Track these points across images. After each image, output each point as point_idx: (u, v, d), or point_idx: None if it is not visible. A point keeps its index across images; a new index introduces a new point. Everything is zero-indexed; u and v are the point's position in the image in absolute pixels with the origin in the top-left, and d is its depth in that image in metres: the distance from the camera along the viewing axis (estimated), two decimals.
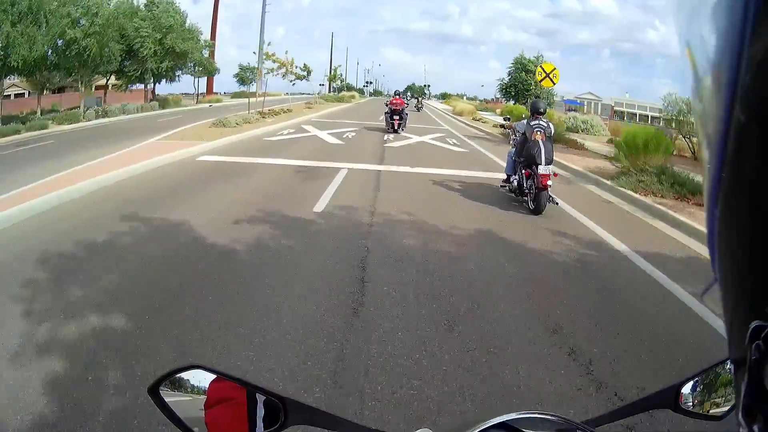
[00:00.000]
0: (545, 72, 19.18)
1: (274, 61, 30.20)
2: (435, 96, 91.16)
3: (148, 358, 3.32)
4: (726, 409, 0.89)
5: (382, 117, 22.47)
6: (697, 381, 0.92)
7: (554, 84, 19.70)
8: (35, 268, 4.85)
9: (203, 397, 0.79)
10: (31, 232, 6.12)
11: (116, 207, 7.18)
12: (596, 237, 6.59)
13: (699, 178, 8.15)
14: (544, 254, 5.77)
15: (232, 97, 51.92)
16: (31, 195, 7.45)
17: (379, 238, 6.09)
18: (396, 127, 19.49)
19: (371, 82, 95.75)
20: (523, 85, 36.61)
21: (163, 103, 38.99)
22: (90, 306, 4.03)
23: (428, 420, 2.78)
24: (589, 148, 17.23)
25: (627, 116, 58.67)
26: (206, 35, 43.78)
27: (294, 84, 40.61)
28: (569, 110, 41.44)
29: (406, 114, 20.43)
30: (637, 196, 9.02)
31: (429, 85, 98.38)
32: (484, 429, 0.79)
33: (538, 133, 7.36)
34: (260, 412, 0.80)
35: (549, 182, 7.11)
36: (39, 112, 29.09)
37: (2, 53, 22.43)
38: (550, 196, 7.33)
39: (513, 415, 0.81)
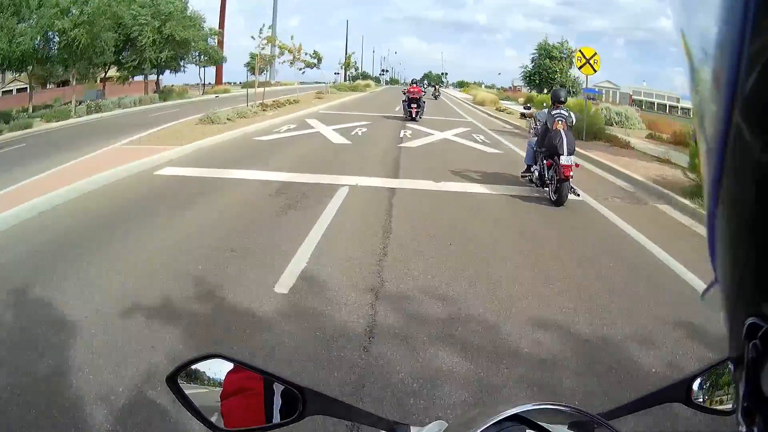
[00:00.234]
0: (585, 57, 15.75)
1: (280, 48, 27.23)
2: (452, 84, 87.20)
3: None
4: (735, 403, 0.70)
5: (399, 107, 21.48)
6: (708, 375, 0.90)
7: (595, 71, 16.27)
8: None
9: (220, 388, 0.79)
10: None
11: None
12: None
13: None
14: None
15: (242, 87, 49.90)
16: None
17: (387, 378, 2.99)
18: (414, 115, 18.85)
19: (387, 71, 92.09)
20: (547, 73, 33.17)
21: (166, 94, 36.33)
22: None
23: None
24: (635, 147, 14.13)
25: (645, 105, 55.87)
26: (215, 23, 41.33)
27: (303, 72, 37.62)
28: (588, 99, 37.57)
29: (424, 102, 19.62)
30: None
31: (446, 73, 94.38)
32: (498, 421, 0.75)
33: (560, 122, 7.03)
34: (277, 402, 0.80)
35: (571, 173, 6.86)
36: (31, 109, 27.11)
37: None
38: (572, 187, 7.02)
39: (527, 407, 0.76)
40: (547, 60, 33.05)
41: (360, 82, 54.63)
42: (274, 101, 24.45)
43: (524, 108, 11.69)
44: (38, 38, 24.19)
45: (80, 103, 26.09)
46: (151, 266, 4.52)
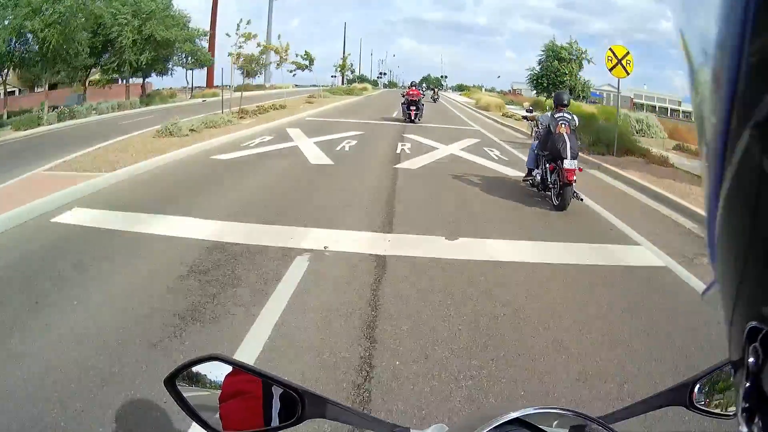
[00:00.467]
0: (616, 57, 12.71)
1: (265, 47, 24.27)
2: (450, 87, 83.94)
3: None
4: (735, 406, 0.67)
5: (396, 112, 20.75)
6: (709, 378, 0.87)
7: (628, 74, 13.22)
8: None
9: (219, 390, 0.77)
10: None
11: None
12: None
13: None
14: None
15: (235, 90, 47.08)
16: None
17: None
18: (413, 117, 18.52)
19: (385, 73, 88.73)
20: (556, 76, 30.16)
21: (149, 99, 33.44)
22: None
23: None
24: (674, 163, 11.28)
25: (646, 108, 53.43)
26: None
27: (294, 74, 34.77)
28: (590, 102, 35.21)
29: (422, 105, 19.34)
30: None
31: (446, 76, 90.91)
32: (499, 425, 0.75)
33: (563, 126, 6.74)
34: (276, 405, 0.78)
35: (574, 177, 6.54)
36: (5, 115, 24.73)
37: None
38: (575, 191, 6.69)
39: (528, 410, 0.76)
40: (556, 62, 30.06)
41: (356, 85, 51.33)
42: (258, 107, 21.57)
43: (527, 111, 10.86)
44: (13, 39, 22.64)
45: (54, 109, 23.79)
46: None
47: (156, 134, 12.82)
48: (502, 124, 19.95)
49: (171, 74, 37.12)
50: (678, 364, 3.07)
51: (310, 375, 2.81)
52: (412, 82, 22.02)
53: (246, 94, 41.51)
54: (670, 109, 58.26)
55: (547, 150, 6.97)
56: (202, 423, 0.76)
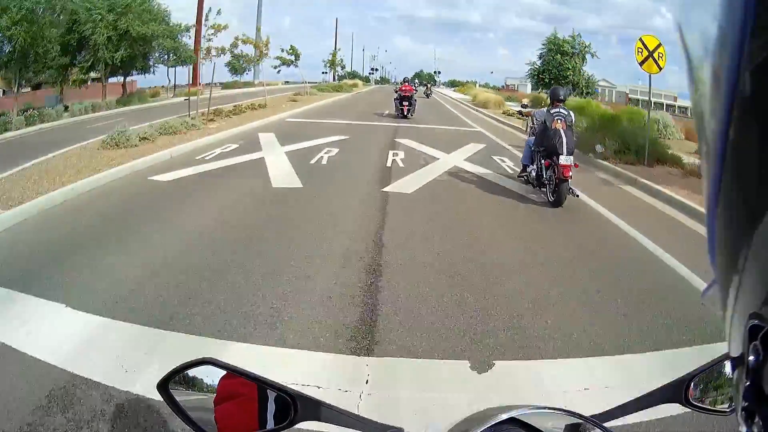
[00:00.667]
0: (647, 49, 10.12)
1: (243, 41, 21.67)
2: (443, 83, 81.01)
3: None
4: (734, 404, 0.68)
5: (388, 110, 19.51)
6: (705, 375, 0.85)
7: (660, 69, 10.67)
8: None
9: (213, 394, 0.75)
10: None
11: None
12: None
13: None
14: None
15: (223, 88, 44.63)
16: None
17: None
18: (405, 113, 17.88)
19: (377, 69, 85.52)
20: (558, 71, 27.70)
21: (128, 99, 30.89)
22: None
23: None
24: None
25: (642, 104, 51.30)
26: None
27: (279, 71, 32.11)
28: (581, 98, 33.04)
29: (415, 100, 18.65)
30: None
31: (439, 72, 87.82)
32: (495, 424, 0.75)
33: (559, 121, 6.48)
34: (271, 408, 0.76)
35: (570, 173, 6.33)
36: None
37: None
38: (571, 188, 6.44)
39: (523, 410, 0.77)
40: (558, 56, 27.58)
41: (347, 81, 48.48)
42: (235, 107, 19.03)
43: (522, 106, 10.43)
44: None
45: (25, 112, 21.49)
46: None
47: (101, 145, 10.34)
48: (504, 123, 17.36)
49: (153, 72, 34.66)
50: None
51: None
52: (404, 78, 21.47)
53: (230, 92, 38.75)
54: (666, 105, 56.44)
55: (543, 146, 6.73)
56: (197, 427, 0.73)
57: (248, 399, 0.76)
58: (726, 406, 0.84)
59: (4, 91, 30.46)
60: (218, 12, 16.26)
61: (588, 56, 28.65)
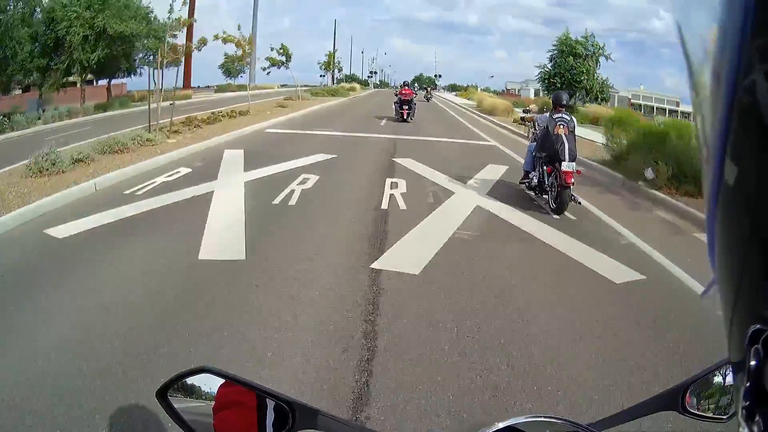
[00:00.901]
0: None
1: (224, 39, 18.93)
2: (443, 87, 77.82)
3: None
4: (732, 410, 0.78)
5: (386, 119, 17.74)
6: (702, 381, 0.83)
7: None
8: None
9: (212, 402, 0.73)
10: None
11: None
12: None
13: None
14: None
15: (216, 92, 41.96)
16: None
17: None
18: (405, 117, 17.39)
19: (375, 72, 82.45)
20: (571, 74, 24.90)
21: (108, 103, 28.30)
22: None
23: None
24: None
25: (645, 109, 48.89)
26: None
27: (269, 73, 29.30)
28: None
29: (415, 104, 18.14)
30: None
31: (440, 75, 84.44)
32: None
33: (561, 127, 6.19)
34: (269, 416, 0.74)
35: (572, 180, 5.99)
36: None
37: None
38: (573, 195, 6.06)
39: (520, 419, 0.74)
40: (571, 58, 24.76)
41: (344, 85, 45.36)
42: (213, 114, 16.32)
43: (524, 111, 10.18)
44: None
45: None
46: None
47: (26, 171, 7.65)
48: (520, 135, 14.51)
49: (140, 74, 31.92)
50: None
51: None
52: (404, 82, 20.81)
53: (221, 95, 35.78)
54: (669, 110, 54.03)
55: (545, 152, 6.36)
56: None
57: (247, 407, 0.73)
58: (723, 413, 0.81)
59: None
60: (184, 2, 13.45)
61: (601, 59, 25.84)
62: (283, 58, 25.99)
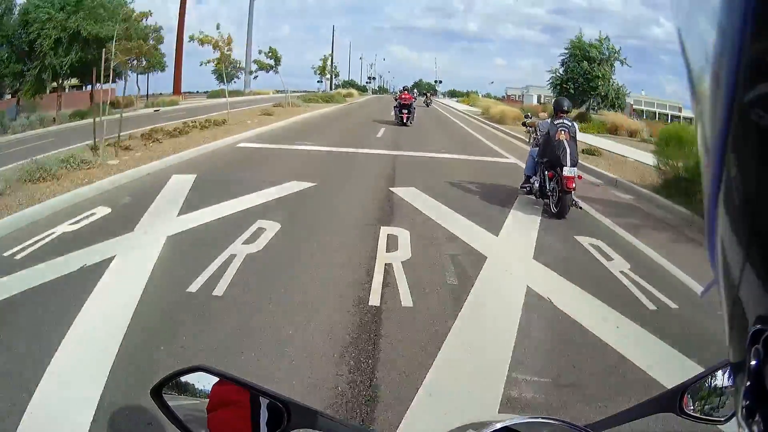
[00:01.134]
0: None
1: (201, 41, 16.50)
2: (442, 93, 74.93)
3: None
4: (730, 412, 0.76)
5: (383, 129, 15.73)
6: (700, 384, 0.82)
7: None
8: None
9: (206, 400, 0.73)
10: None
11: None
12: None
13: None
14: None
15: (209, 97, 39.38)
16: None
17: None
18: (404, 121, 17.07)
19: (374, 78, 79.50)
20: (585, 79, 22.43)
21: (86, 111, 25.83)
22: None
23: None
24: None
25: (647, 115, 46.75)
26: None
27: (256, 77, 26.80)
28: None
29: (414, 108, 17.86)
30: None
31: (441, 81, 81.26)
32: None
33: (563, 132, 6.15)
34: (264, 415, 0.72)
35: (574, 185, 5.91)
36: None
37: None
38: (574, 199, 5.98)
39: (517, 419, 0.74)
40: (585, 62, 22.28)
41: (341, 90, 42.60)
42: (184, 124, 13.82)
43: (525, 117, 9.39)
44: None
45: None
46: None
47: None
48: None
49: (123, 79, 29.46)
50: None
51: None
52: (404, 87, 20.48)
53: (212, 102, 33.24)
54: (671, 116, 51.88)
55: (547, 157, 6.26)
56: None
57: (241, 406, 0.71)
58: (720, 415, 0.79)
59: None
60: None
61: (617, 63, 23.37)
62: (272, 62, 23.40)
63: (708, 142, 0.28)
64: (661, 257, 4.70)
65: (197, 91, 45.69)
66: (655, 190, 7.59)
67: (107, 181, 7.21)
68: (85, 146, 9.47)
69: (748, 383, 0.27)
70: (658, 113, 52.03)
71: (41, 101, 25.34)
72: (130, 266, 4.03)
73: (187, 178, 7.45)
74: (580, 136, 13.86)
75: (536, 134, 7.13)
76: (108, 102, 30.42)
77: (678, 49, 0.30)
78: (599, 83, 22.03)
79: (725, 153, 0.26)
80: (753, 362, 0.27)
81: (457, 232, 5.07)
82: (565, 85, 22.70)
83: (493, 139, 14.78)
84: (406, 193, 6.74)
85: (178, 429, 0.70)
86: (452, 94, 74.15)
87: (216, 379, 0.72)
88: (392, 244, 4.65)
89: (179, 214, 5.57)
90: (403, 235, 4.89)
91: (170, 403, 0.71)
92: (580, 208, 6.12)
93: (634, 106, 53.27)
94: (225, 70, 46.18)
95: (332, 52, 49.67)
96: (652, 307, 3.59)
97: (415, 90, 41.75)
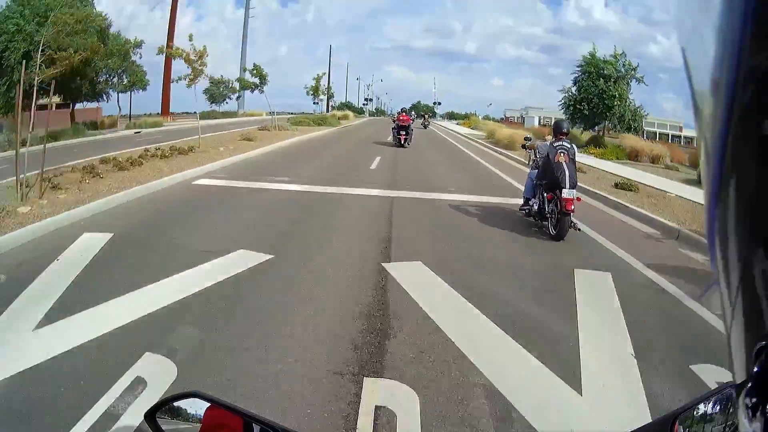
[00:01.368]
0: None
1: (172, 54, 14.40)
2: (440, 115, 72.66)
3: None
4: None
5: (378, 158, 13.50)
6: (694, 410, 0.75)
7: None
8: None
9: (199, 425, 0.73)
10: None
11: None
12: None
13: None
14: None
15: (201, 118, 37.00)
16: None
17: None
18: (402, 142, 17.20)
19: (371, 100, 77.57)
20: (600, 99, 20.36)
21: (60, 132, 23.60)
22: None
23: None
24: None
25: (647, 135, 44.93)
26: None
27: (239, 97, 24.77)
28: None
29: (412, 129, 18.02)
30: None
31: (440, 103, 79.12)
32: None
33: (562, 154, 6.11)
34: None
35: (572, 207, 5.88)
36: None
37: None
38: (573, 221, 5.96)
39: None
40: (601, 80, 20.24)
41: (336, 112, 40.37)
42: (146, 150, 11.69)
43: (525, 139, 8.90)
44: None
45: None
46: None
47: None
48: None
49: (105, 98, 27.35)
50: None
51: None
52: (402, 109, 21.00)
53: (203, 123, 31.25)
54: (671, 135, 50.22)
55: (546, 179, 6.27)
56: None
57: (233, 430, 0.70)
58: None
59: None
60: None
61: (633, 82, 21.33)
62: (257, 80, 21.25)
63: (708, 146, 0.28)
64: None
65: (194, 112, 43.64)
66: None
67: (8, 238, 5.07)
68: (11, 183, 7.43)
69: (754, 401, 0.26)
70: (658, 133, 50.27)
71: (22, 120, 23.25)
72: None
73: (98, 239, 5.26)
74: (602, 165, 11.63)
75: (536, 156, 7.06)
76: (92, 121, 28.27)
77: (680, 67, 0.30)
78: (615, 103, 19.97)
79: (725, 154, 0.26)
80: (760, 377, 0.26)
81: (509, 391, 2.79)
82: (578, 105, 20.64)
83: (508, 171, 12.57)
84: (407, 275, 4.49)
85: None
86: (451, 116, 72.35)
87: (208, 405, 0.73)
88: (383, 428, 2.40)
89: (38, 326, 3.34)
90: (406, 403, 2.63)
91: (164, 427, 0.71)
92: (579, 230, 6.06)
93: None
94: (218, 90, 43.82)
95: (329, 71, 47.89)
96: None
97: (413, 112, 40.12)
